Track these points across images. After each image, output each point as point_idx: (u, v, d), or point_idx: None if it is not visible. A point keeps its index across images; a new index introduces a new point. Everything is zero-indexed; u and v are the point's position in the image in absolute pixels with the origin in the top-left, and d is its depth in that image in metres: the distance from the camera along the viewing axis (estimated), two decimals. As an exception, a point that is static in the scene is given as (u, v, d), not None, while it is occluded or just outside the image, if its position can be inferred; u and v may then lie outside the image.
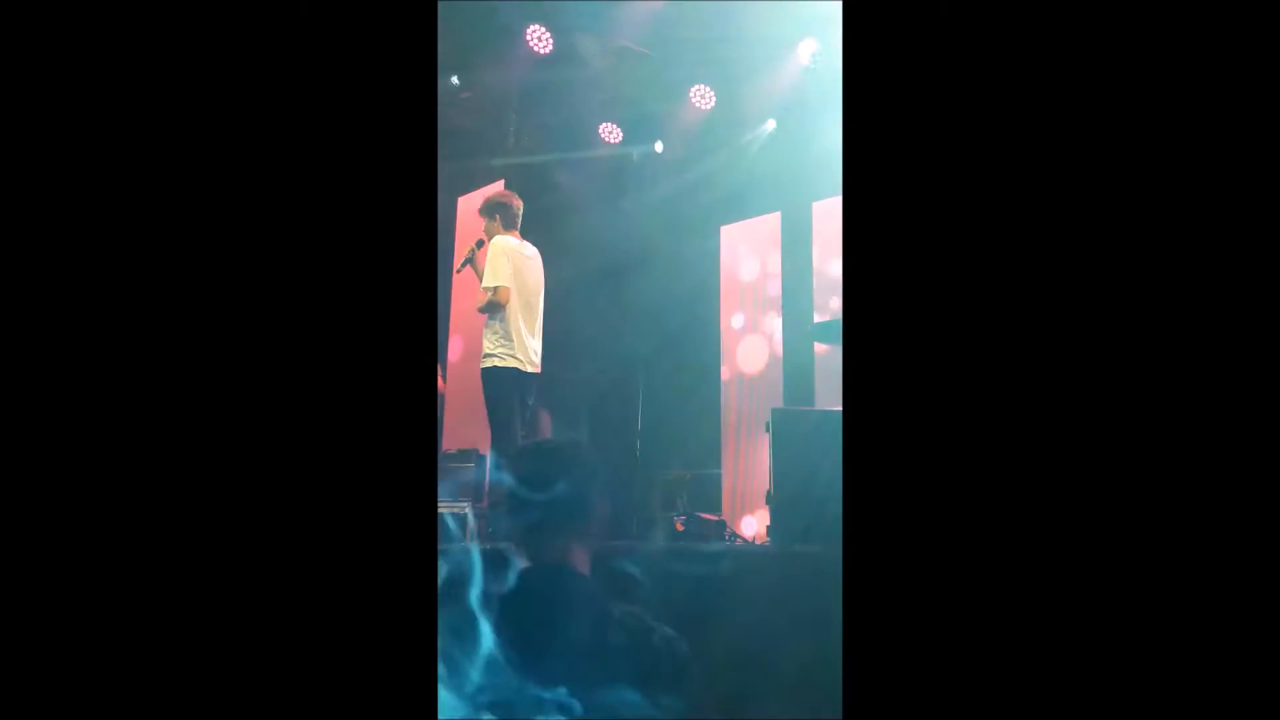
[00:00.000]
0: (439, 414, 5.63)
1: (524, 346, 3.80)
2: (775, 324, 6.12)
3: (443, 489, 5.13)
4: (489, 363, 3.74)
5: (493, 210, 3.95)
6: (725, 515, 5.36)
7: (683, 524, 4.35)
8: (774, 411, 3.52)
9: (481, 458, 5.34)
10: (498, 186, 5.84)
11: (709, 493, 5.83)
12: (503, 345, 3.73)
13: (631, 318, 6.45)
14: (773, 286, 6.22)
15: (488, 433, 5.78)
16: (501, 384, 3.75)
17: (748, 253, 6.41)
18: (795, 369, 5.95)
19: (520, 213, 3.96)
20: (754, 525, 5.60)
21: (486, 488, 5.37)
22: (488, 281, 3.73)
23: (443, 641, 1.28)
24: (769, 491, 3.46)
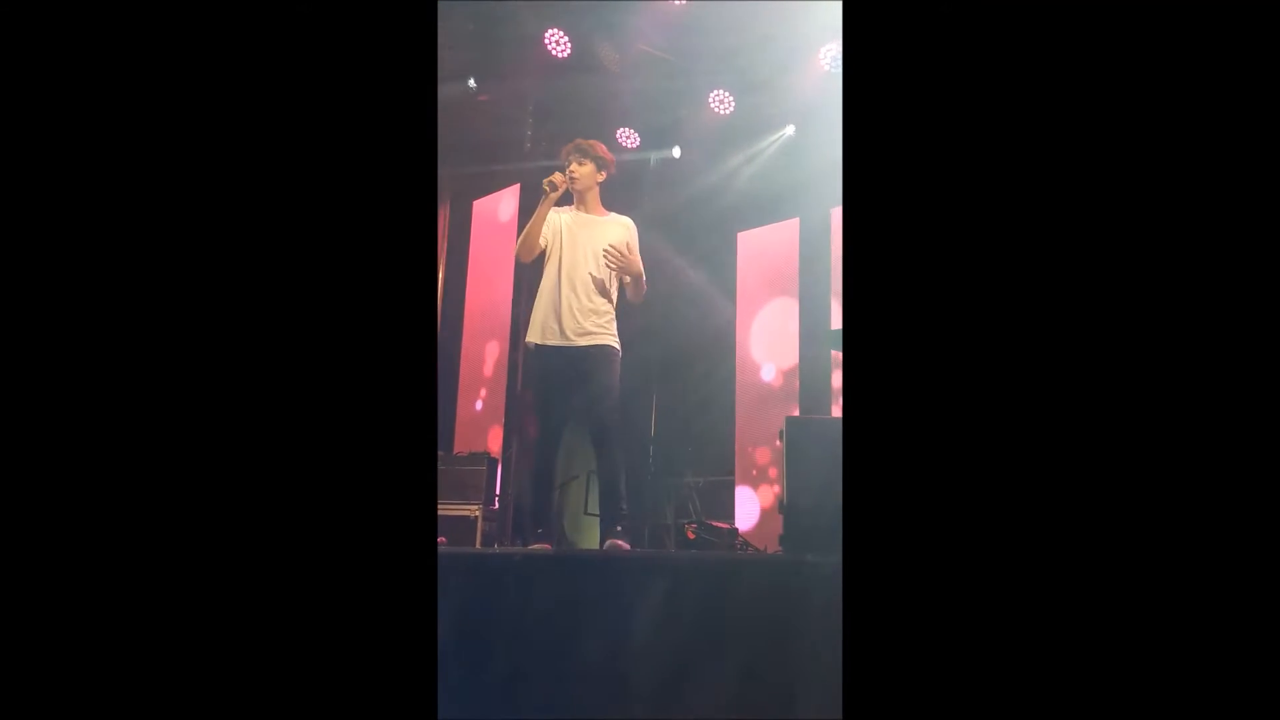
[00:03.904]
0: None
1: None
2: (793, 330, 6.08)
3: (452, 492, 5.12)
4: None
5: (604, 164, 3.35)
6: (737, 523, 5.32)
7: (694, 531, 4.31)
8: (788, 420, 3.48)
9: (493, 460, 5.33)
10: (514, 191, 5.82)
11: (723, 500, 5.79)
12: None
13: (647, 324, 6.42)
14: (790, 293, 6.17)
15: (497, 436, 5.80)
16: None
17: (765, 259, 6.37)
18: (812, 376, 5.90)
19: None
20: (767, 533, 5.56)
21: (497, 490, 5.35)
22: (641, 272, 3.27)
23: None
24: (782, 500, 3.42)
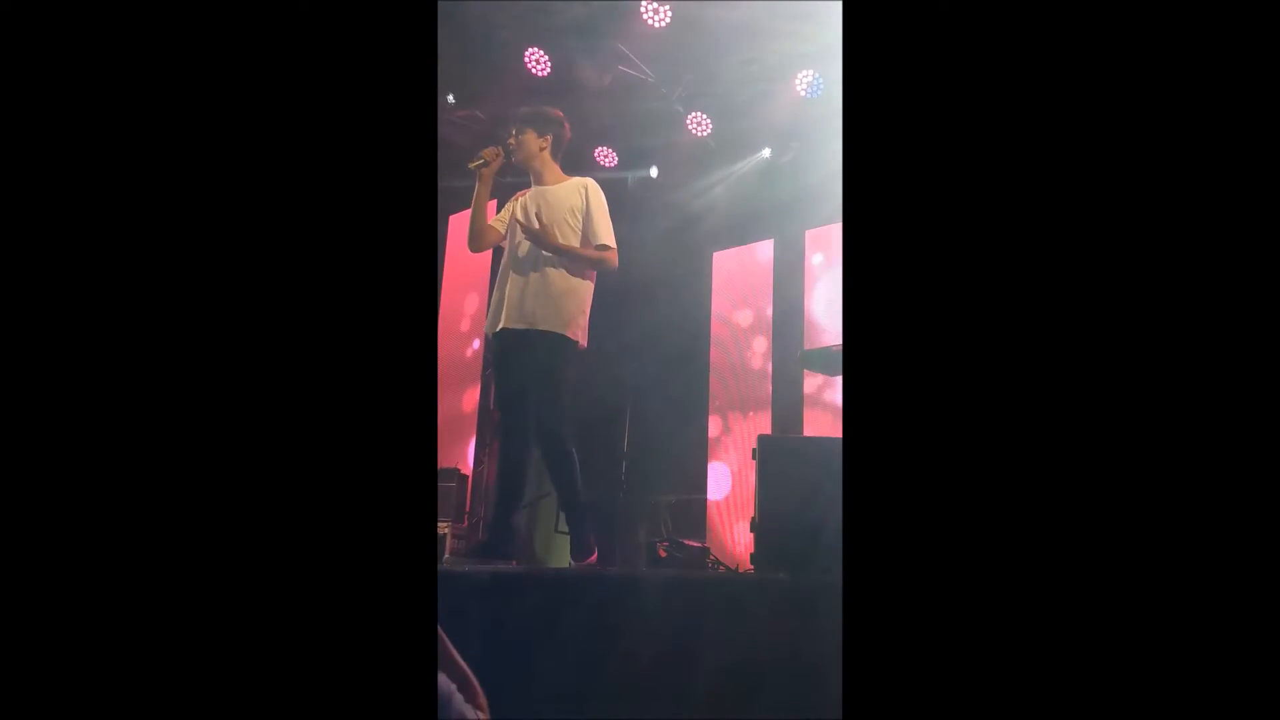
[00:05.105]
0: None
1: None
2: (765, 350, 6.12)
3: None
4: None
5: (547, 126, 2.86)
6: (709, 542, 5.32)
7: (666, 550, 4.30)
8: (761, 439, 3.49)
9: (463, 477, 5.28)
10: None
11: (695, 518, 5.79)
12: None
13: (622, 342, 6.43)
14: (764, 313, 6.22)
15: (467, 452, 5.76)
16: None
17: (740, 279, 6.42)
18: (784, 396, 5.94)
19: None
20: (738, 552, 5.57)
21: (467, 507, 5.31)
22: (608, 239, 2.82)
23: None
24: (754, 519, 3.43)
